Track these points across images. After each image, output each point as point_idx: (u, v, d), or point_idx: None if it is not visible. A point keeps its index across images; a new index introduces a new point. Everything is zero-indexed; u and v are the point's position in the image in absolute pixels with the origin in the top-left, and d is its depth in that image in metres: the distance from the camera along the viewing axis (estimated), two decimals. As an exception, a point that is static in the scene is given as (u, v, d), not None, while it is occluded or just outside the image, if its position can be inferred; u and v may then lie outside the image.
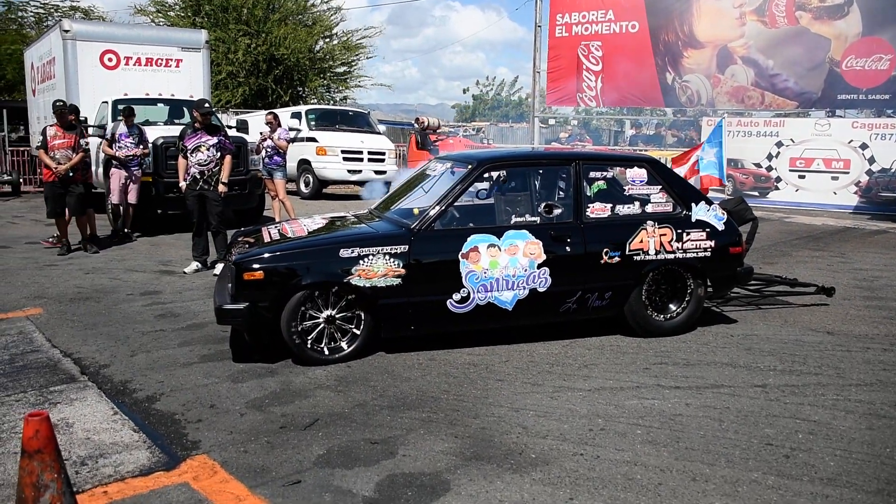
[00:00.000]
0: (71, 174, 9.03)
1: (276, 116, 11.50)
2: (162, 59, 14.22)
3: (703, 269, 5.53)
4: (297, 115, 17.20)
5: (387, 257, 4.78)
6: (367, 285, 4.73)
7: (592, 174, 5.42)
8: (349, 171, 16.51)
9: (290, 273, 4.68)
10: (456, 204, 5.12)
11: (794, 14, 17.93)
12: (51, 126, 9.23)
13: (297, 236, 5.15)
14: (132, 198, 10.21)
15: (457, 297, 4.95)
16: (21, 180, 18.25)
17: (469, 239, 4.98)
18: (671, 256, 5.42)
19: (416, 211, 5.14)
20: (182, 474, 3.29)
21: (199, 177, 8.27)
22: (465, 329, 5.17)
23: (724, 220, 5.63)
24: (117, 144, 10.17)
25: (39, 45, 16.56)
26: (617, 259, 5.26)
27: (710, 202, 5.70)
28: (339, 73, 31.22)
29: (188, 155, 8.32)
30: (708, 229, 5.55)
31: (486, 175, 5.23)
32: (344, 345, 4.84)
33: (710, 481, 3.23)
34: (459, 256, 4.92)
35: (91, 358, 4.98)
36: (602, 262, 5.24)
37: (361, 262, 4.72)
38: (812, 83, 18.00)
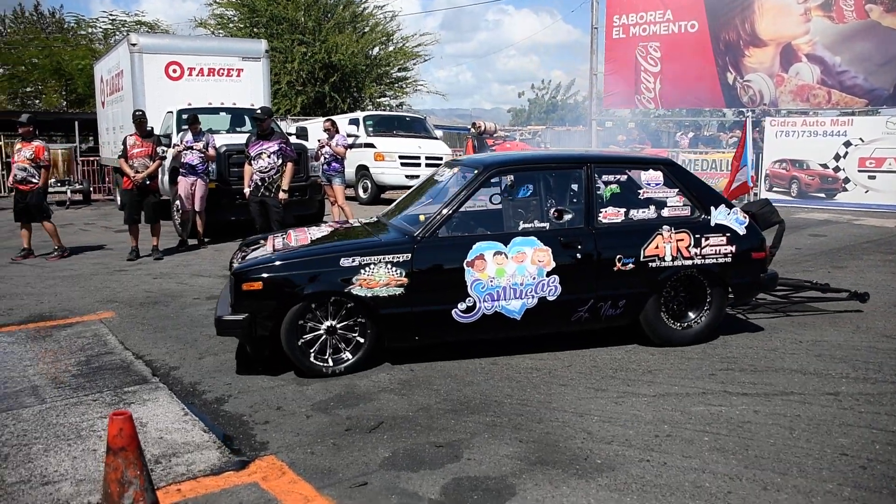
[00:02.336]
0: (147, 182, 9.33)
1: (333, 123, 11.62)
2: (224, 69, 14.55)
3: (724, 276, 5.34)
4: (354, 122, 17.40)
5: (388, 266, 4.66)
6: (369, 295, 4.63)
7: (605, 177, 5.28)
8: (407, 177, 16.61)
9: (290, 283, 4.60)
10: (462, 210, 5.01)
11: (864, 8, 17.37)
12: (130, 136, 9.54)
13: (299, 245, 5.06)
14: (199, 205, 10.46)
15: (462, 306, 4.81)
16: (91, 189, 18.91)
17: (474, 246, 4.83)
18: (689, 263, 5.24)
19: (422, 218, 5.09)
20: (252, 474, 3.37)
21: (260, 183, 8.45)
22: (472, 339, 5.05)
23: (746, 224, 5.43)
24: (184, 152, 10.44)
25: (108, 58, 17.15)
26: (631, 266, 5.09)
27: (730, 205, 5.51)
28: (396, 79, 31.51)
29: (252, 162, 8.51)
30: (728, 234, 5.35)
31: (493, 180, 5.20)
32: (347, 356, 4.75)
33: (782, 491, 3.15)
34: (464, 265, 4.79)
35: (161, 360, 5.13)
36: (615, 269, 5.06)
37: (363, 271, 4.62)
38: (883, 79, 17.40)
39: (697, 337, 5.35)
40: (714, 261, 5.29)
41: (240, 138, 10.75)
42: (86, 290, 7.47)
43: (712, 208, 5.38)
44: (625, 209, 5.20)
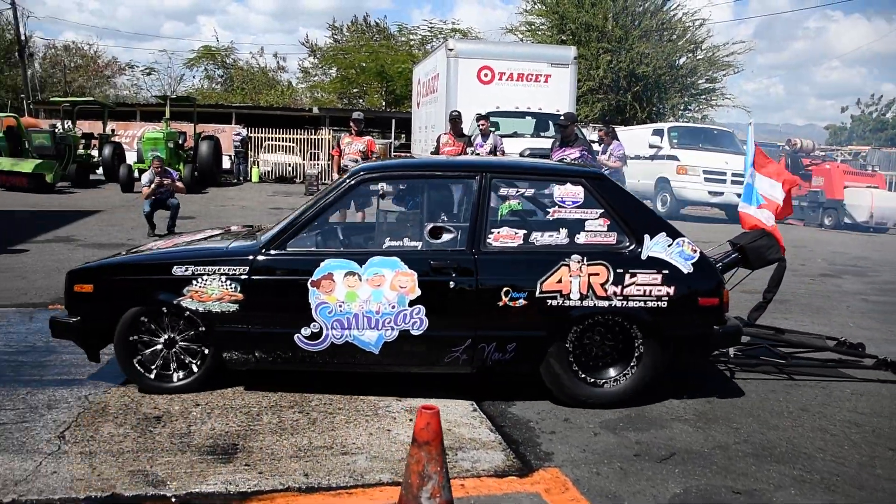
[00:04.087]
0: None
1: (609, 131, 10.86)
2: (532, 75, 15.05)
3: (657, 325, 4.16)
4: (658, 132, 16.92)
5: (223, 279, 4.17)
6: (201, 309, 4.18)
7: (504, 190, 4.40)
8: (710, 193, 15.72)
9: (120, 289, 4.30)
10: (321, 220, 4.44)
11: None
12: (444, 134, 10.20)
13: (157, 248, 4.71)
14: None
15: (306, 331, 4.17)
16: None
17: (322, 264, 4.17)
18: (605, 304, 4.15)
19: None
20: (534, 484, 3.34)
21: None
22: (327, 369, 4.39)
23: (695, 261, 4.22)
24: (473, 151, 10.73)
25: (426, 62, 18.66)
26: (523, 302, 4.13)
27: (674, 234, 4.27)
28: (702, 90, 30.10)
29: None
30: (666, 271, 4.17)
31: (363, 188, 4.48)
32: (181, 374, 4.34)
33: None
34: (309, 284, 4.15)
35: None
36: (500, 304, 4.13)
37: (195, 282, 4.18)
38: None
39: (618, 399, 4.27)
40: (641, 304, 4.17)
41: (543, 143, 10.87)
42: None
43: (646, 237, 4.25)
44: (525, 231, 4.30)
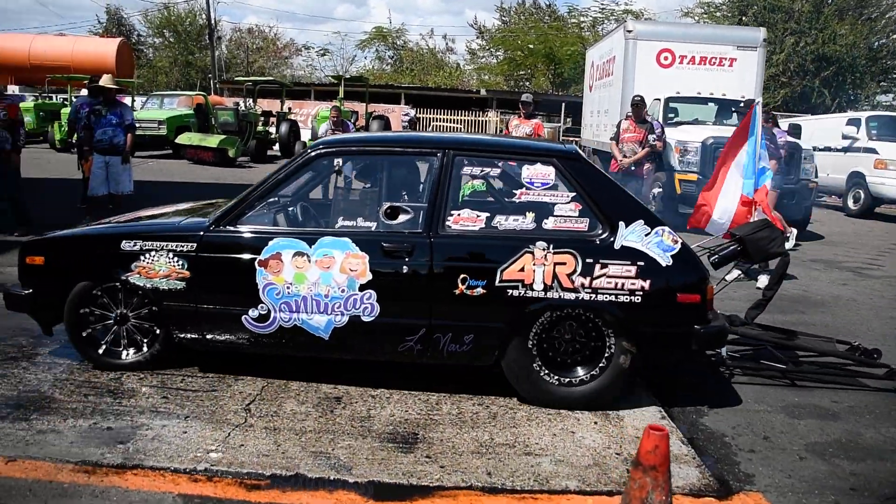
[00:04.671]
0: (633, 168, 9.38)
1: (770, 118, 9.93)
2: (716, 58, 14.15)
3: (631, 322, 3.78)
4: (854, 122, 15.64)
5: (170, 255, 4.04)
6: (148, 286, 4.07)
7: (468, 169, 4.10)
8: None
9: (70, 262, 4.24)
10: (277, 197, 4.28)
11: None
12: (625, 119, 9.82)
13: (115, 222, 4.59)
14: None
15: (254, 313, 3.99)
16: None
17: (271, 243, 3.98)
18: (571, 296, 3.78)
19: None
20: (734, 508, 3.07)
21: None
22: (278, 353, 4.20)
23: (675, 252, 3.80)
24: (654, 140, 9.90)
25: (601, 45, 18.09)
26: (480, 291, 3.82)
27: (654, 222, 3.85)
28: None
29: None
30: (641, 262, 3.77)
31: (319, 163, 4.26)
32: (131, 351, 4.25)
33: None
34: (256, 264, 3.96)
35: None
36: (457, 291, 3.83)
37: (142, 257, 4.06)
38: None
39: (585, 400, 3.92)
40: (611, 298, 3.79)
41: (726, 131, 10.16)
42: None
43: (621, 224, 3.85)
44: (488, 214, 3.97)
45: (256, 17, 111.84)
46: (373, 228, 4.08)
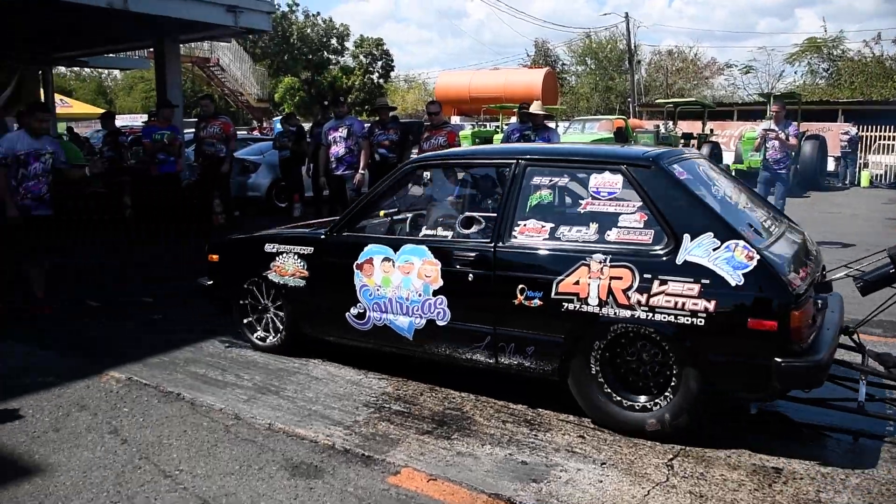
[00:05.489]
0: None
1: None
2: None
3: (695, 348, 3.29)
4: None
5: (296, 257, 4.66)
6: (279, 282, 4.75)
7: (538, 178, 3.97)
8: None
9: (234, 260, 5.17)
10: (379, 207, 4.61)
11: None
12: None
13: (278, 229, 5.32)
14: None
15: (354, 311, 4.44)
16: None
17: (366, 249, 4.35)
18: (626, 314, 3.44)
19: (381, 213, 4.73)
20: None
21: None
22: (378, 349, 4.55)
23: (748, 270, 3.21)
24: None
25: None
26: (538, 302, 3.67)
27: (726, 236, 3.31)
28: None
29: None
30: (705, 280, 3.27)
31: (416, 176, 4.56)
32: (272, 336, 4.98)
33: None
34: (354, 267, 4.36)
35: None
36: (516, 302, 3.72)
37: (277, 258, 4.74)
38: None
39: (650, 429, 3.55)
40: (670, 318, 3.41)
41: None
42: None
43: (686, 237, 3.44)
44: (553, 225, 3.85)
45: (674, 38, 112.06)
46: (448, 237, 4.22)
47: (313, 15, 43.00)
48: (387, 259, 4.27)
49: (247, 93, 33.39)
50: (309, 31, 42.12)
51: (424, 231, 4.43)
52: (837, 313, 3.89)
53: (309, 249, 4.65)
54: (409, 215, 4.90)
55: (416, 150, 9.15)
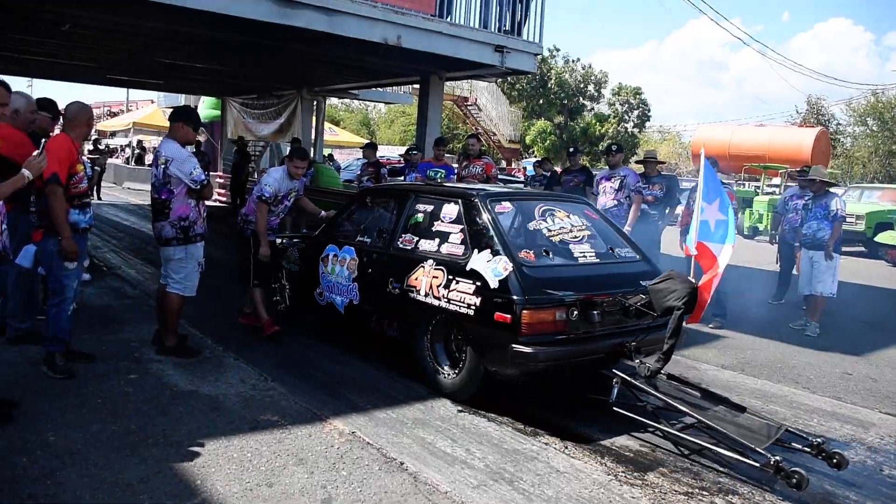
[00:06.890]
0: None
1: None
2: None
3: (469, 330, 4.71)
4: None
5: (296, 251, 6.64)
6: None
7: (419, 206, 5.49)
8: None
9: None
10: (348, 220, 6.35)
11: None
12: None
13: None
14: None
15: (317, 290, 6.13)
16: None
17: (327, 246, 6.07)
18: (436, 303, 4.89)
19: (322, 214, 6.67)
20: None
21: None
22: (326, 320, 6.20)
23: (503, 277, 4.51)
24: None
25: None
26: (398, 291, 5.24)
27: (498, 251, 4.63)
28: None
29: None
30: (479, 282, 4.63)
31: (365, 200, 6.45)
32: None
33: None
34: (319, 259, 6.05)
35: None
36: (387, 290, 5.31)
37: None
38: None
39: (452, 392, 4.96)
40: (456, 308, 4.81)
41: None
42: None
43: (475, 251, 4.85)
44: (417, 238, 5.38)
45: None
46: (367, 241, 5.85)
47: (573, 60, 43.52)
48: (335, 255, 5.98)
49: (499, 133, 33.85)
50: (567, 76, 42.80)
51: (357, 237, 6.00)
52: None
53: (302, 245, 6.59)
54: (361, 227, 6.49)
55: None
